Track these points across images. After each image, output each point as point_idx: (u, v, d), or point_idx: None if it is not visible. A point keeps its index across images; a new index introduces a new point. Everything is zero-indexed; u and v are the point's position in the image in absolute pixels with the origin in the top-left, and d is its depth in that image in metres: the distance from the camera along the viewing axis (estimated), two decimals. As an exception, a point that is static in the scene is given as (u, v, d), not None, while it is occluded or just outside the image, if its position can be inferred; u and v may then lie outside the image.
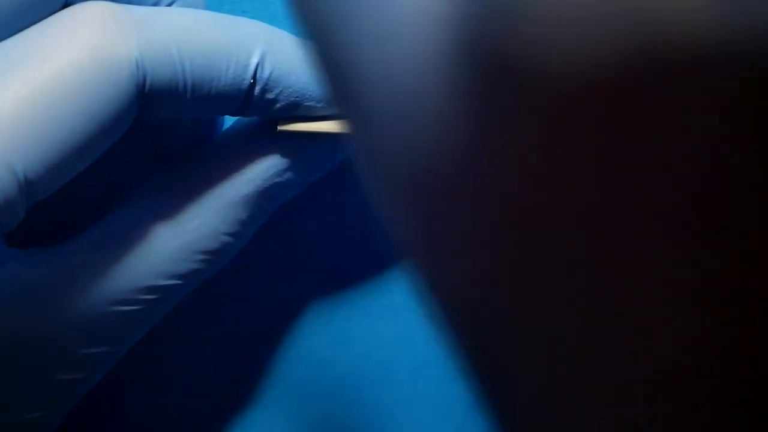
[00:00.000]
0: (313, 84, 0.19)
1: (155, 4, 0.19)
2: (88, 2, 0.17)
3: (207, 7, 0.20)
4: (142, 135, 0.20)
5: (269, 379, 0.24)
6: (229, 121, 0.22)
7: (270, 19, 0.23)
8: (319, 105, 0.19)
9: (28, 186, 0.16)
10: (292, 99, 0.19)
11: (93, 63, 0.16)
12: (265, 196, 0.20)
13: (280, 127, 0.19)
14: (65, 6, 0.18)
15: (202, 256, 0.20)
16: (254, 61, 0.18)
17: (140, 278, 0.19)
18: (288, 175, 0.20)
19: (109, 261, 0.19)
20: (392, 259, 0.24)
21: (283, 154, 0.20)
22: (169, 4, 0.19)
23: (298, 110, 0.19)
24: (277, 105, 0.19)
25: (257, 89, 0.18)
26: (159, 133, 0.20)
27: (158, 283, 0.19)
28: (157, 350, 0.24)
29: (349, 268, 0.24)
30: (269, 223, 0.22)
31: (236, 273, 0.24)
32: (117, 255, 0.19)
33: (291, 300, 0.24)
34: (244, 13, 0.24)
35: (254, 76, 0.18)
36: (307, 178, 0.21)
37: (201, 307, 0.24)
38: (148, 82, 0.17)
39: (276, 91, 0.19)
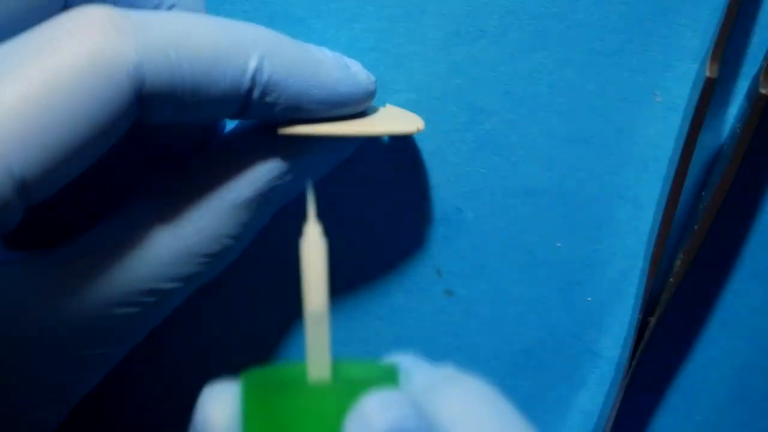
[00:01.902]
0: (312, 87, 0.19)
1: (156, 8, 0.19)
2: (88, 6, 0.17)
3: (207, 7, 0.20)
4: (142, 138, 0.20)
5: (269, 379, 0.24)
6: (229, 124, 0.22)
7: (269, 20, 0.24)
8: (318, 108, 0.19)
9: (25, 188, 0.16)
10: (291, 102, 0.19)
11: (92, 66, 0.16)
12: (266, 199, 0.20)
13: (280, 131, 0.19)
14: (65, 9, 0.18)
15: (202, 259, 0.20)
16: (252, 65, 0.18)
17: (141, 281, 0.19)
18: (288, 177, 0.20)
19: (110, 264, 0.19)
20: (392, 259, 0.24)
21: (284, 158, 0.20)
22: (170, 8, 0.19)
23: (298, 113, 0.19)
24: (277, 108, 0.19)
25: (256, 93, 0.18)
26: (159, 136, 0.20)
27: (159, 286, 0.19)
28: (158, 350, 0.24)
29: (349, 268, 0.24)
30: (269, 223, 0.22)
31: (236, 273, 0.24)
32: (117, 258, 0.19)
33: (291, 300, 0.24)
34: (244, 13, 0.24)
35: (253, 80, 0.18)
36: (308, 181, 0.21)
37: (201, 308, 0.24)
38: (146, 86, 0.17)
39: (275, 94, 0.19)
